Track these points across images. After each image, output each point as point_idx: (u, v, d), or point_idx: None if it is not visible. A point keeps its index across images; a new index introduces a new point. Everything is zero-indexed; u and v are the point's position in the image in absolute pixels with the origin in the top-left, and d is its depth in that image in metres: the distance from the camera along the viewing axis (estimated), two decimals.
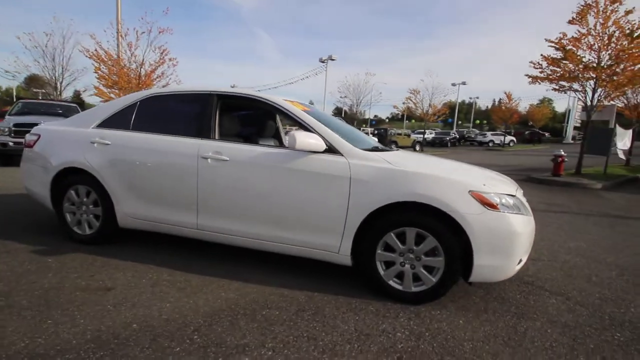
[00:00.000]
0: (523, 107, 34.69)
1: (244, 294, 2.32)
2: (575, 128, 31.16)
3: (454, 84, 28.49)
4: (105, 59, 11.31)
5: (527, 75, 10.10)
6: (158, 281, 2.45)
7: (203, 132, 2.72)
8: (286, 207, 2.46)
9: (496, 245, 2.14)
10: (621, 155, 11.18)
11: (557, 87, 9.89)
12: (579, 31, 8.88)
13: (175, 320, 1.98)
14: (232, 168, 2.57)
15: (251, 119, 3.49)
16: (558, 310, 2.34)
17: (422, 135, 24.28)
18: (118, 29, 12.09)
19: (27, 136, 3.39)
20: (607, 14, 8.49)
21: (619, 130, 10.09)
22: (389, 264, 2.33)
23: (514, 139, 31.14)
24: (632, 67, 8.48)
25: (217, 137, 2.72)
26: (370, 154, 2.44)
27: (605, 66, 8.54)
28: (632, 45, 8.02)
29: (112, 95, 15.46)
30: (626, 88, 8.99)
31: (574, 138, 32.01)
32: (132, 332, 1.85)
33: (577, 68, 9.14)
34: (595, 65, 8.76)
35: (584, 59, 8.74)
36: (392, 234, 2.27)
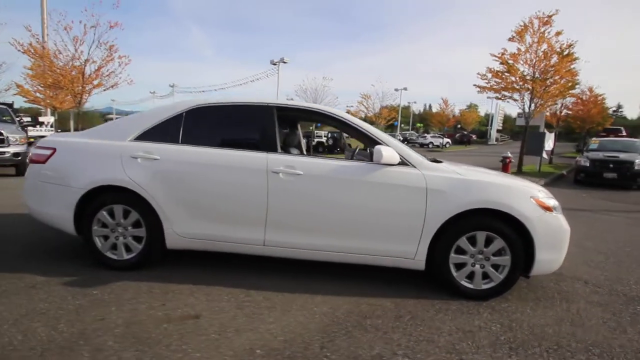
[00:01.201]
0: (456, 111, 38.68)
1: (336, 307, 2.36)
2: (497, 131, 35.67)
3: (396, 89, 30.48)
4: (40, 54, 9.89)
5: (475, 85, 11.34)
6: (240, 303, 2.36)
7: (268, 145, 2.67)
8: (363, 219, 2.56)
9: (553, 242, 2.51)
10: (545, 156, 13.14)
11: (499, 96, 11.28)
12: (518, 48, 10.27)
13: (294, 340, 1.96)
14: (307, 182, 2.57)
15: (282, 130, 3.48)
16: (586, 292, 2.81)
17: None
18: (43, 18, 10.66)
19: (35, 150, 2.93)
20: (540, 34, 9.99)
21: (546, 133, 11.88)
22: (460, 266, 2.57)
23: (449, 140, 34.49)
24: (561, 81, 10.09)
25: (280, 150, 2.69)
26: (439, 166, 2.65)
27: (539, 79, 10.02)
28: (561, 62, 9.57)
29: (38, 94, 13.59)
30: (557, 98, 10.69)
31: (496, 140, 36.64)
32: (261, 358, 1.80)
33: (516, 80, 10.56)
34: (531, 78, 10.22)
35: (523, 73, 10.14)
36: (464, 238, 2.51)
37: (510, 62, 10.42)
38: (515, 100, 10.94)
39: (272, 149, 2.67)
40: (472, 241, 2.52)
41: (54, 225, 2.91)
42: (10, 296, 2.32)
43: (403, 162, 2.58)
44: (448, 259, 2.54)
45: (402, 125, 39.23)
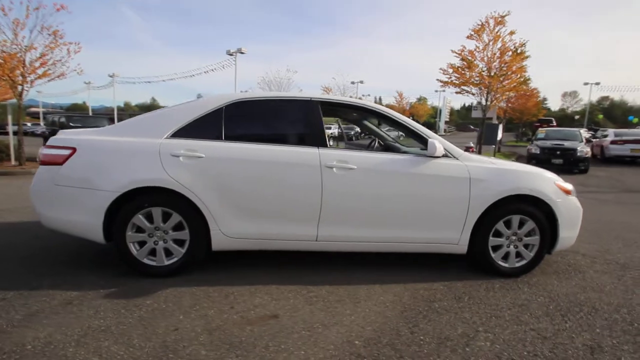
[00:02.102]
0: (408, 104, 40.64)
1: (399, 295, 2.46)
2: (445, 123, 38.09)
3: (353, 82, 31.04)
4: None
5: (438, 80, 12.05)
6: (308, 299, 2.36)
7: (318, 140, 2.65)
8: (414, 209, 2.68)
9: (572, 221, 2.86)
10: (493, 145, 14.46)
11: (459, 91, 12.12)
12: (476, 46, 11.11)
13: (382, 329, 2.03)
14: (359, 176, 2.62)
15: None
16: (587, 263, 3.23)
17: (337, 130, 25.99)
18: None
19: (46, 150, 2.58)
20: (495, 33, 10.89)
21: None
22: (496, 248, 2.82)
23: (402, 133, 35.92)
24: (513, 76, 11.14)
25: (329, 144, 2.70)
26: (476, 157, 2.86)
27: (496, 75, 10.96)
28: (514, 59, 10.56)
29: None
30: (511, 93, 11.79)
31: (445, 131, 39.32)
32: (363, 348, 1.84)
33: (474, 76, 11.42)
34: (488, 74, 11.14)
35: (482, 70, 11.02)
36: (501, 222, 2.76)
37: (470, 58, 11.24)
38: (473, 94, 11.87)
39: (322, 143, 2.66)
40: (507, 224, 2.78)
41: (76, 234, 2.62)
42: (50, 316, 2.07)
43: (446, 155, 2.75)
44: (487, 242, 2.77)
45: None
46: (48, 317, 2.05)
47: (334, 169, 2.59)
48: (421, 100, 44.67)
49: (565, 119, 41.05)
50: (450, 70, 11.73)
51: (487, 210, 2.72)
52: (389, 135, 3.82)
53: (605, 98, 58.26)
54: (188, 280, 2.56)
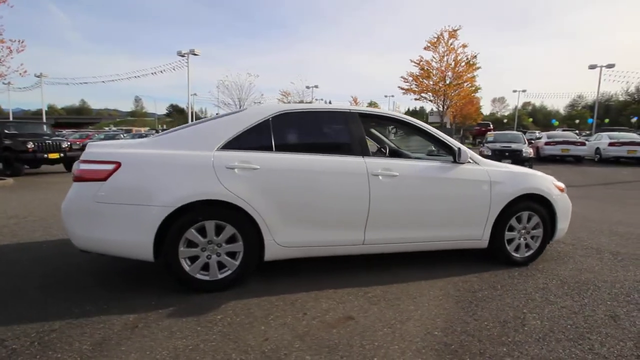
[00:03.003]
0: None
1: (443, 289, 2.72)
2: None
3: (308, 87, 31.41)
4: None
5: (399, 87, 12.88)
6: (369, 299, 2.51)
7: (362, 149, 2.82)
8: (448, 210, 2.97)
9: (565, 215, 3.38)
10: None
11: (418, 97, 13.04)
12: (433, 56, 12.11)
13: (452, 319, 2.26)
14: (401, 182, 2.84)
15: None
16: (574, 249, 3.79)
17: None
18: None
19: (86, 166, 2.40)
20: (449, 46, 11.98)
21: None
22: (510, 241, 3.22)
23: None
24: (464, 85, 12.32)
25: (371, 154, 2.88)
26: (490, 162, 3.25)
27: (452, 84, 12.04)
28: (467, 70, 11.71)
29: None
30: (464, 100, 12.99)
31: (394, 134, 41.76)
32: (444, 337, 2.05)
33: (429, 85, 12.42)
34: (444, 83, 12.19)
35: (438, 79, 12.04)
36: (514, 218, 3.18)
37: (427, 68, 12.21)
38: (431, 101, 12.88)
39: (365, 153, 2.83)
40: (518, 220, 3.21)
41: (120, 253, 2.47)
42: (124, 342, 1.96)
43: (468, 161, 3.09)
44: (504, 237, 3.17)
45: None
46: (122, 344, 1.95)
47: (380, 176, 2.78)
48: (372, 105, 46.86)
49: (496, 122, 45.87)
50: (410, 79, 12.60)
51: (504, 208, 3.11)
52: (392, 142, 4.12)
53: (528, 103, 66.31)
54: (245, 292, 2.56)
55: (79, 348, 1.91)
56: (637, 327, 2.22)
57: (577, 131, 22.03)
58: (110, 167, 2.39)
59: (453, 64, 12.01)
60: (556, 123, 34.94)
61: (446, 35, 12.12)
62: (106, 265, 3.07)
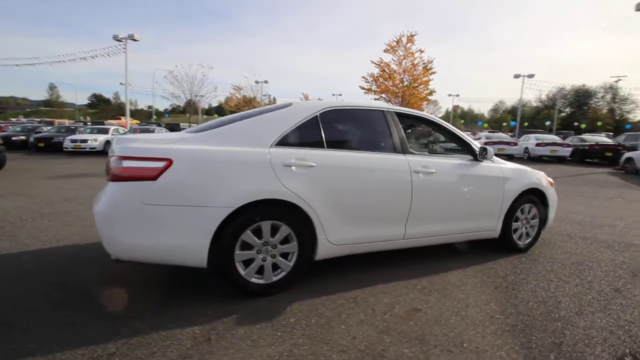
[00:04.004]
0: None
1: (468, 276, 2.95)
2: None
3: (257, 82, 30.54)
4: None
5: (360, 87, 13.31)
6: (420, 291, 2.63)
7: (403, 147, 2.92)
8: (473, 204, 3.22)
9: (554, 206, 3.88)
10: None
11: (378, 98, 13.61)
12: (392, 59, 12.73)
13: (498, 301, 2.47)
14: (437, 178, 3.00)
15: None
16: (556, 237, 4.36)
17: None
18: None
19: (131, 163, 2.10)
20: (408, 50, 12.70)
21: None
22: (515, 230, 3.61)
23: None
24: (419, 87, 13.17)
25: (409, 151, 2.99)
26: (500, 159, 3.58)
27: (410, 86, 12.79)
28: (424, 73, 12.53)
29: None
30: (421, 102, 13.84)
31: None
32: (504, 319, 2.24)
33: (389, 86, 13.06)
34: (402, 85, 12.89)
35: (402, 80, 12.70)
36: (519, 210, 3.56)
37: (387, 70, 12.81)
38: (390, 101, 13.52)
39: (406, 150, 2.94)
40: (522, 211, 3.60)
41: (169, 261, 2.24)
42: (207, 357, 1.80)
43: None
44: (511, 227, 3.53)
45: None
46: (209, 359, 1.78)
47: (420, 173, 2.91)
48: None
49: None
50: (371, 79, 13.10)
51: (513, 201, 3.47)
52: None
53: (457, 107, 73.31)
54: (300, 293, 2.50)
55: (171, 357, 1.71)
56: (637, 296, 2.68)
57: (510, 133, 24.92)
58: (161, 164, 2.15)
59: (411, 67, 12.82)
60: (485, 125, 39.36)
61: (404, 39, 12.88)
62: (120, 276, 2.74)
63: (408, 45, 12.99)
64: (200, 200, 2.20)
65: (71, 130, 18.07)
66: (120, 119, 47.40)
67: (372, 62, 13.61)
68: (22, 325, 2.03)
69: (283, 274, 2.49)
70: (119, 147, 2.23)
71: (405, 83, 13.22)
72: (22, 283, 2.58)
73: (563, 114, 51.22)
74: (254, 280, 2.40)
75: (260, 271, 2.43)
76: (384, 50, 13.41)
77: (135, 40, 19.70)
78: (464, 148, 3.38)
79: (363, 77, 13.59)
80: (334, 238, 2.62)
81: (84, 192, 6.30)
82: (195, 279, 2.71)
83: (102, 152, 15.62)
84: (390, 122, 2.97)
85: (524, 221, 3.63)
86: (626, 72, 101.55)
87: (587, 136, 18.69)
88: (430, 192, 2.99)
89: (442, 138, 3.98)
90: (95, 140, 15.69)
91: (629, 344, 2.02)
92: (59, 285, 2.55)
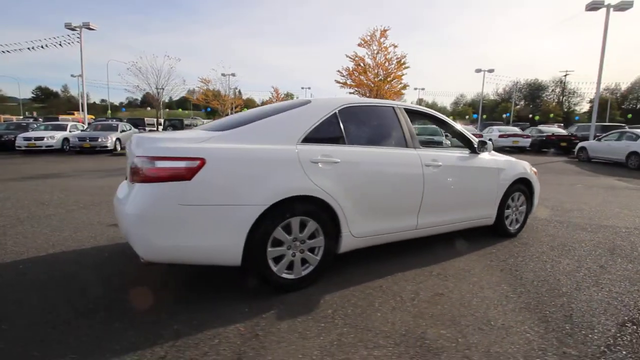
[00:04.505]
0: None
1: (480, 260, 3.19)
2: None
3: (224, 75, 29.48)
4: None
5: (336, 81, 13.45)
6: (439, 277, 2.81)
7: (413, 142, 3.06)
8: (474, 194, 3.46)
9: (538, 193, 4.24)
10: None
11: (352, 92, 13.82)
12: (367, 53, 12.96)
13: (515, 282, 2.70)
14: (444, 171, 3.18)
15: None
16: (536, 221, 4.75)
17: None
18: None
19: (165, 163, 2.04)
20: (381, 45, 12.97)
21: None
22: (506, 217, 3.91)
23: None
24: (392, 82, 13.53)
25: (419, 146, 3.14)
26: (493, 152, 3.84)
27: (384, 80, 13.09)
28: (398, 68, 12.87)
29: None
30: (395, 97, 14.19)
31: None
32: (527, 296, 2.47)
33: (364, 81, 13.30)
34: (377, 80, 13.17)
35: (377, 74, 12.94)
36: (511, 198, 3.86)
37: (361, 64, 13.02)
38: (366, 95, 13.77)
39: (416, 145, 3.08)
40: (512, 199, 3.91)
41: (204, 261, 2.24)
42: (262, 352, 1.84)
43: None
44: (503, 214, 3.83)
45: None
46: (263, 353, 1.82)
47: (430, 167, 3.07)
48: (289, 96, 47.04)
49: None
50: (346, 73, 13.26)
51: (506, 190, 3.76)
52: None
53: (421, 100, 76.05)
54: (328, 286, 2.58)
55: (225, 355, 1.73)
56: (619, 271, 3.04)
57: (473, 126, 26.25)
58: (195, 164, 2.11)
59: (385, 61, 13.12)
60: (453, 117, 41.46)
61: (378, 34, 13.13)
62: (138, 279, 2.66)
63: (382, 40, 13.30)
64: (235, 199, 2.20)
65: (22, 127, 16.68)
66: (73, 113, 44.00)
67: (346, 56, 13.83)
68: (55, 337, 1.94)
69: (311, 268, 2.56)
70: (149, 147, 2.16)
71: (380, 77, 13.53)
72: (37, 293, 2.44)
73: (518, 107, 54.89)
74: (284, 275, 2.44)
75: (290, 267, 2.47)
76: (358, 45, 13.65)
77: (91, 29, 18.34)
78: (464, 142, 3.60)
79: (338, 71, 13.79)
80: (356, 231, 2.72)
81: (58, 194, 5.90)
82: (216, 277, 2.70)
83: (60, 150, 14.57)
84: (401, 118, 3.10)
85: (514, 208, 3.94)
86: (574, 67, 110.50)
87: (543, 127, 20.20)
88: (439, 184, 3.17)
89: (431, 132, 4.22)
90: (52, 138, 14.59)
91: (625, 312, 2.32)
92: (78, 293, 2.44)
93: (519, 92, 55.17)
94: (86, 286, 2.54)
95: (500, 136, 16.23)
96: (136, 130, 16.83)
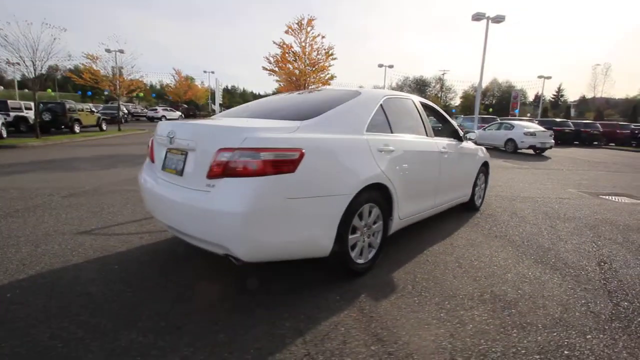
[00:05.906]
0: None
1: (465, 236, 3.82)
2: (220, 105, 39.15)
3: (108, 50, 24.81)
4: None
5: (263, 67, 13.20)
6: (447, 251, 3.27)
7: (430, 132, 3.43)
8: (463, 176, 4.07)
9: (489, 170, 5.19)
10: None
11: (279, 79, 13.77)
12: (294, 42, 13.01)
13: (505, 250, 3.35)
14: (450, 157, 3.66)
15: None
16: (489, 199, 5.79)
17: (116, 112, 21.15)
18: None
19: (268, 155, 1.88)
20: (309, 34, 13.17)
21: None
22: (475, 194, 4.69)
23: (182, 114, 34.51)
24: (320, 73, 13.93)
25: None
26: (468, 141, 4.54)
27: (311, 70, 13.35)
28: (325, 59, 13.26)
29: None
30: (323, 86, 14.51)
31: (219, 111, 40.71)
32: (525, 257, 3.12)
33: (290, 68, 13.41)
34: (305, 69, 13.38)
35: (305, 63, 13.07)
36: (477, 177, 4.65)
37: (289, 52, 13.04)
38: (292, 85, 13.81)
39: (431, 134, 3.47)
40: (478, 179, 4.71)
41: (298, 255, 2.22)
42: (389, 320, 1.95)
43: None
44: (474, 192, 4.60)
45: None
46: (390, 324, 1.94)
47: (444, 153, 3.52)
48: (189, 79, 43.01)
49: None
50: (273, 60, 13.12)
51: (477, 172, 4.52)
52: None
53: None
54: (384, 266, 2.78)
55: (362, 339, 1.78)
56: (565, 229, 4.05)
57: None
58: (296, 155, 2.02)
59: (312, 50, 13.34)
60: None
61: (305, 22, 13.24)
62: (191, 279, 2.40)
63: (309, 29, 13.49)
64: (330, 190, 2.20)
65: None
66: None
67: (274, 42, 13.55)
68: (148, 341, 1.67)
69: (373, 251, 2.72)
70: (249, 137, 1.96)
71: (309, 67, 13.75)
72: (81, 299, 1.96)
73: None
74: (359, 261, 2.55)
75: (361, 252, 2.58)
76: (285, 32, 13.51)
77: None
78: (453, 131, 4.17)
79: (265, 57, 13.43)
80: (401, 213, 2.97)
81: (2, 200, 4.43)
82: (280, 275, 2.61)
83: None
84: (420, 109, 3.45)
85: (479, 187, 4.77)
86: (451, 67, 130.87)
87: None
88: (447, 168, 3.65)
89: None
90: None
91: (596, 255, 3.19)
92: (140, 308, 2.06)
93: (408, 87, 62.71)
94: (142, 299, 2.16)
95: None
96: None
